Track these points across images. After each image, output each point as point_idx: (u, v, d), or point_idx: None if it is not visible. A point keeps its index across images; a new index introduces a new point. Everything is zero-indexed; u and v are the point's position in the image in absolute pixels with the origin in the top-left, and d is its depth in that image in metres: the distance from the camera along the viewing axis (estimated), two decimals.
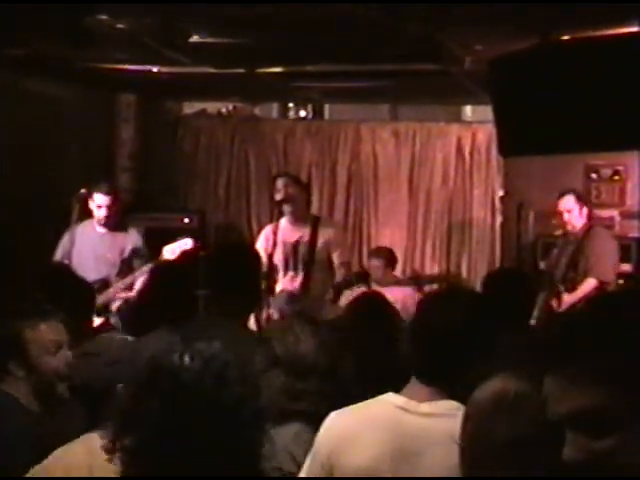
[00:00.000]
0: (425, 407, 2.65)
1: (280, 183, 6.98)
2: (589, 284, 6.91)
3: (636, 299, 1.67)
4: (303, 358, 3.05)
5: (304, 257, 6.88)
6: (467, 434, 2.08)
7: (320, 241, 6.90)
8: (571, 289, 6.96)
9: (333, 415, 2.78)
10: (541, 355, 1.68)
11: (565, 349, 1.58)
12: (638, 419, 1.52)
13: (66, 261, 6.72)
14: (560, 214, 7.26)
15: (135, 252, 6.99)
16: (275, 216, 6.99)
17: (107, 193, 6.90)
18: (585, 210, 7.20)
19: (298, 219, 6.94)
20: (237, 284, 4.25)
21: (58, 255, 6.89)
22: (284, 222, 6.90)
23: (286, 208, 6.89)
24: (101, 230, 6.99)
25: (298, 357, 3.05)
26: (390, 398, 2.72)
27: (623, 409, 1.53)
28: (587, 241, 7.10)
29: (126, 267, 6.94)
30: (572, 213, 7.19)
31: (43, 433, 3.00)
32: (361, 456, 2.66)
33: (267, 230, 7.00)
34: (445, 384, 2.67)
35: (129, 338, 3.02)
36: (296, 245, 6.88)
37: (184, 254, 6.60)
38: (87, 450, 2.46)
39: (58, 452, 2.61)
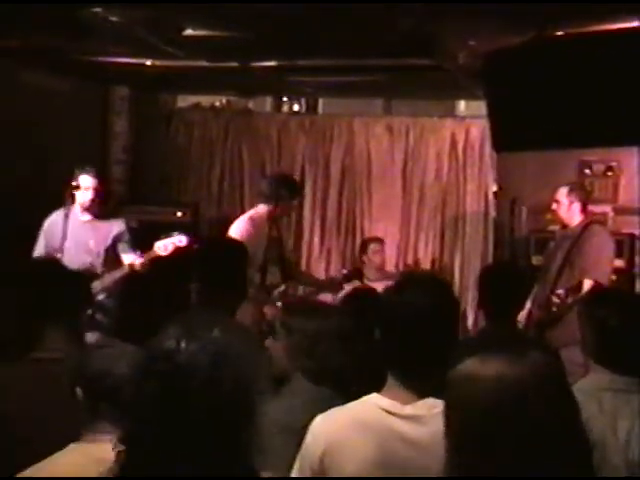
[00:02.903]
0: (409, 409, 2.65)
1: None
2: (587, 286, 6.88)
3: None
4: None
5: (279, 252, 6.95)
6: (451, 399, 2.05)
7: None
8: (565, 285, 6.93)
9: (319, 419, 2.76)
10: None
11: None
12: None
13: (58, 254, 6.65)
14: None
15: (117, 238, 6.82)
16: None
17: (93, 176, 6.71)
18: (576, 205, 7.14)
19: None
20: (223, 278, 4.27)
21: (41, 247, 6.74)
22: (261, 217, 6.88)
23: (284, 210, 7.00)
24: (84, 218, 6.80)
25: None
26: (374, 400, 2.71)
27: None
28: (584, 238, 7.05)
29: (110, 255, 6.81)
30: (560, 205, 7.14)
31: None
32: (351, 460, 2.64)
33: (250, 223, 6.95)
34: (419, 379, 2.67)
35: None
36: (275, 240, 6.90)
37: (177, 250, 6.52)
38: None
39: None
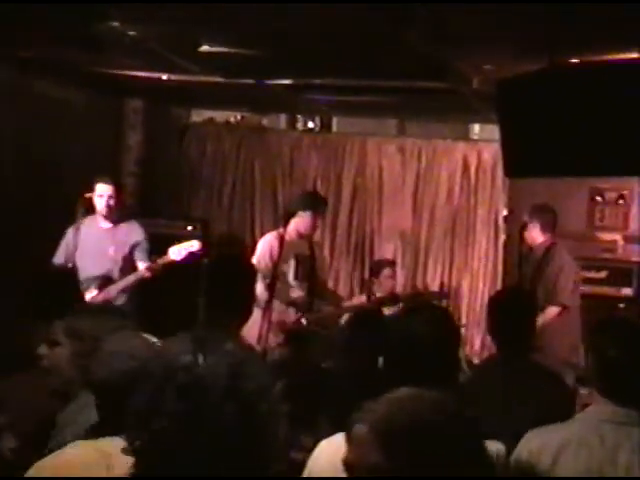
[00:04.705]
0: None
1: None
2: (549, 313, 6.89)
3: None
4: None
5: (307, 269, 7.01)
6: None
7: (317, 257, 7.21)
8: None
9: (324, 443, 2.75)
10: None
11: None
12: None
13: (69, 263, 6.78)
14: None
15: (136, 246, 7.01)
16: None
17: (109, 182, 6.91)
18: (535, 226, 7.12)
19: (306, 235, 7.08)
20: (228, 298, 4.27)
21: (61, 255, 6.92)
22: (292, 235, 6.95)
23: (311, 225, 7.08)
24: (104, 225, 7.00)
25: None
26: None
27: None
28: (546, 261, 7.05)
29: (129, 262, 6.99)
30: (526, 228, 7.16)
31: None
32: None
33: (271, 240, 7.03)
34: None
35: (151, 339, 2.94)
36: (303, 258, 7.01)
37: (190, 255, 6.66)
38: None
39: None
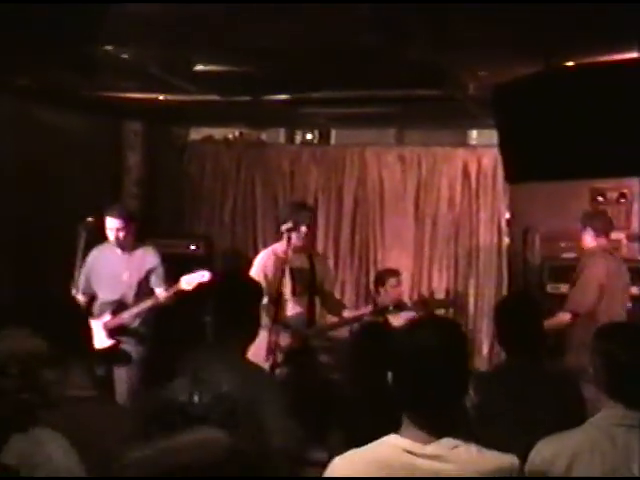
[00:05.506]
0: (430, 449, 2.64)
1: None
2: (558, 318, 6.90)
3: None
4: None
5: (307, 284, 6.95)
6: None
7: (317, 269, 7.06)
8: None
9: (337, 460, 2.74)
10: None
11: None
12: None
13: (94, 287, 7.05)
14: None
15: (152, 271, 7.10)
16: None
17: (117, 216, 6.99)
18: (589, 233, 7.15)
19: (302, 247, 6.97)
20: (234, 316, 4.27)
21: (81, 285, 7.05)
22: (284, 249, 6.86)
23: (297, 235, 6.87)
24: (118, 251, 7.09)
25: None
26: (394, 441, 2.71)
27: None
28: (580, 266, 7.10)
29: (144, 288, 7.06)
30: (581, 236, 7.20)
31: None
32: None
33: (263, 257, 6.99)
34: (432, 420, 2.67)
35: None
36: (300, 272, 6.93)
37: (200, 286, 6.72)
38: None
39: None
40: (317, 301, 7.19)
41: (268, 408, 3.53)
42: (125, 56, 5.91)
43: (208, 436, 1.97)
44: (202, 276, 6.77)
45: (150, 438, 2.07)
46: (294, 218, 6.82)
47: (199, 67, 6.31)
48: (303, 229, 6.84)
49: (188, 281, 6.78)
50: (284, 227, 6.80)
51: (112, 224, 6.97)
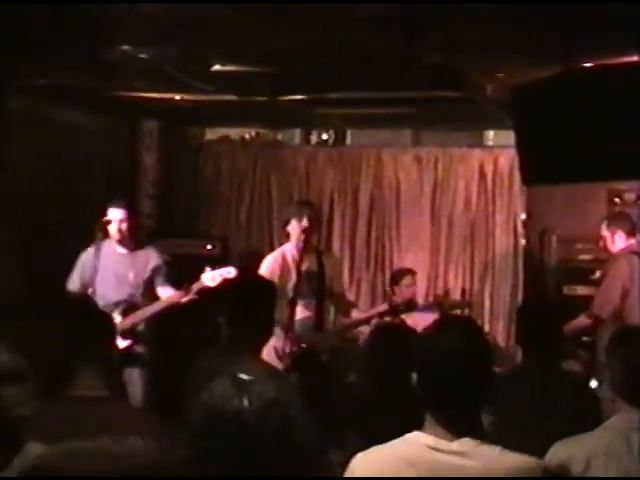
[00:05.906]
0: (456, 446, 2.63)
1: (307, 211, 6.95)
2: (577, 322, 6.88)
3: None
4: None
5: (315, 286, 6.85)
6: None
7: (327, 270, 6.95)
8: None
9: (360, 456, 2.74)
10: None
11: None
12: None
13: (89, 288, 6.76)
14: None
15: (156, 271, 6.93)
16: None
17: (120, 207, 6.80)
18: (620, 236, 7.10)
19: (309, 248, 6.93)
20: (248, 317, 4.27)
21: (76, 280, 6.86)
22: (292, 250, 6.84)
23: (299, 231, 6.82)
24: (121, 250, 6.91)
25: None
26: (418, 438, 2.70)
27: None
28: (605, 270, 7.08)
29: (149, 287, 6.92)
30: (605, 240, 7.14)
31: None
32: None
33: (269, 261, 6.90)
34: (456, 419, 2.67)
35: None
36: (308, 274, 6.83)
37: (225, 282, 6.41)
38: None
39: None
40: (327, 304, 7.15)
41: (299, 411, 3.53)
42: (142, 56, 5.93)
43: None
44: (228, 272, 6.53)
45: (204, 451, 2.02)
46: (295, 215, 6.82)
47: (216, 67, 6.32)
48: (304, 223, 6.74)
49: (212, 277, 6.52)
50: (287, 226, 6.82)
51: (115, 215, 6.77)
